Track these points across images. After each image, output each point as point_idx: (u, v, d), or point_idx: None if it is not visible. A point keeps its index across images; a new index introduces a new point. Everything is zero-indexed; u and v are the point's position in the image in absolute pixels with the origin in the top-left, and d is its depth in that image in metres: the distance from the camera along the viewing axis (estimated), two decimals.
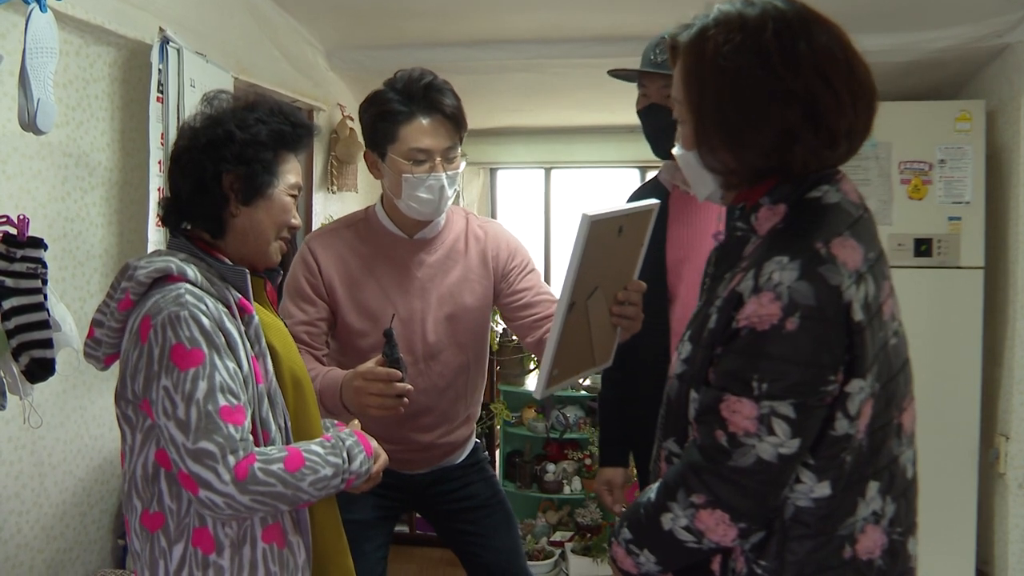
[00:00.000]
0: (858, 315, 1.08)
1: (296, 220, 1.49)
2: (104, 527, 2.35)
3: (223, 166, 1.40)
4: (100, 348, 1.42)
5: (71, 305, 2.11)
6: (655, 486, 1.21)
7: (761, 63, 1.11)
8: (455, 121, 1.86)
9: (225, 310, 1.35)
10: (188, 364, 1.26)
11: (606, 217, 1.42)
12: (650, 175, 4.85)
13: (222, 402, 1.26)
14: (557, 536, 3.93)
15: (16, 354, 1.76)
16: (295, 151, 1.49)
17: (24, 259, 1.76)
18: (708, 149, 1.18)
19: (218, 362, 1.28)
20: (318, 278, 1.90)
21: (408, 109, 1.82)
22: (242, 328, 1.36)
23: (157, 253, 1.40)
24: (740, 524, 1.12)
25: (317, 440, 1.39)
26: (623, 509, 2.14)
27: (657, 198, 1.99)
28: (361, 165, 3.57)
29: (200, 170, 1.40)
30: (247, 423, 1.29)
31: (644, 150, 5.15)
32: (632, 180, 5.00)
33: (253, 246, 1.45)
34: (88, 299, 2.24)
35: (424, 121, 1.82)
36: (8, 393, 1.81)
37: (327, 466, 1.34)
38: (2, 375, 1.80)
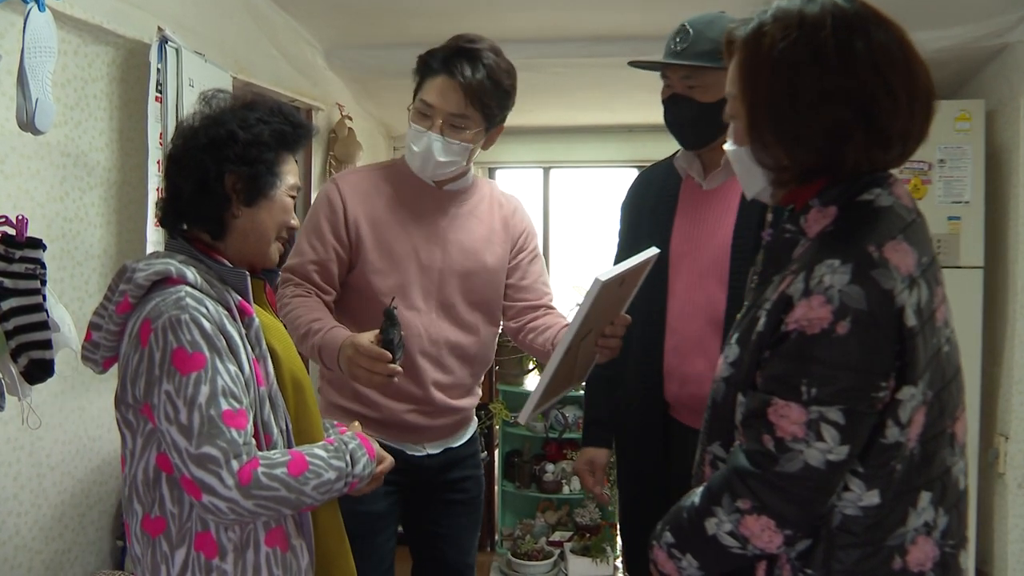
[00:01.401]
0: (911, 320, 1.07)
1: (295, 221, 1.49)
2: (103, 528, 2.34)
3: (226, 166, 1.38)
4: (98, 351, 1.40)
5: (69, 305, 2.10)
6: (699, 490, 1.19)
7: (816, 60, 1.10)
8: (469, 91, 1.84)
9: (225, 312, 1.33)
10: (190, 368, 1.25)
11: (615, 277, 1.50)
12: None
13: (224, 406, 1.25)
14: (556, 536, 3.93)
15: (15, 355, 1.76)
16: (295, 151, 1.48)
17: (23, 260, 1.76)
18: (761, 145, 1.17)
19: (220, 366, 1.27)
20: (340, 215, 1.90)
21: (435, 66, 1.86)
22: (243, 330, 1.35)
23: (155, 255, 1.39)
24: (786, 531, 1.11)
25: (320, 443, 1.38)
26: (604, 491, 2.14)
27: (670, 183, 1.99)
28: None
29: (202, 170, 1.38)
30: (249, 427, 1.28)
31: (643, 150, 5.17)
32: (630, 180, 4.99)
33: (254, 247, 1.44)
34: (87, 299, 2.24)
35: (439, 80, 1.85)
36: (7, 394, 1.81)
37: (330, 470, 1.33)
38: (1, 376, 1.79)
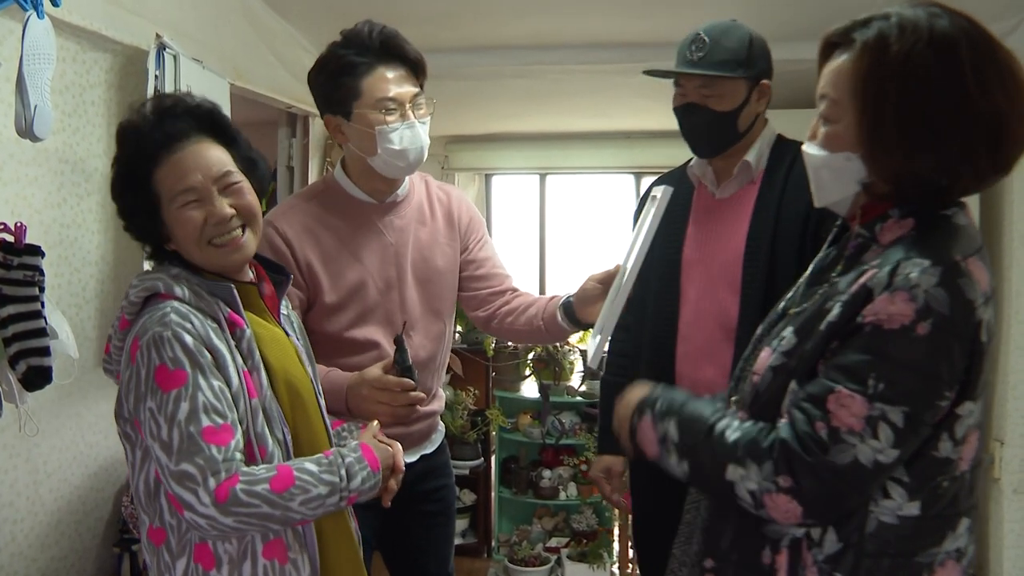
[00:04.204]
0: (984, 336, 1.07)
1: (212, 215, 1.36)
2: (99, 535, 2.33)
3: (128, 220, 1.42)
4: (113, 363, 1.43)
5: (66, 312, 2.10)
6: (734, 424, 1.17)
7: (953, 77, 1.09)
8: (417, 67, 1.81)
9: (214, 326, 1.33)
10: (171, 385, 1.25)
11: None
12: (645, 181, 4.87)
13: (205, 423, 1.25)
14: (553, 542, 3.93)
15: (13, 362, 1.75)
16: (163, 162, 1.36)
17: (22, 267, 1.76)
18: (882, 149, 1.13)
19: (202, 382, 1.26)
20: (288, 260, 1.79)
21: (367, 60, 1.76)
22: (232, 343, 1.34)
23: (151, 272, 1.40)
24: (808, 519, 1.12)
25: (316, 457, 1.35)
26: (620, 499, 2.13)
27: (683, 190, 2.00)
28: None
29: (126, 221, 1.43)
30: (235, 442, 1.27)
31: (640, 156, 5.16)
32: (627, 186, 5.00)
33: (204, 263, 1.39)
34: (83, 306, 2.23)
35: (386, 70, 1.77)
36: (4, 401, 1.81)
37: (320, 485, 1.29)
38: None
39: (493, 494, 4.13)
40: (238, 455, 1.27)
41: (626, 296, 1.55)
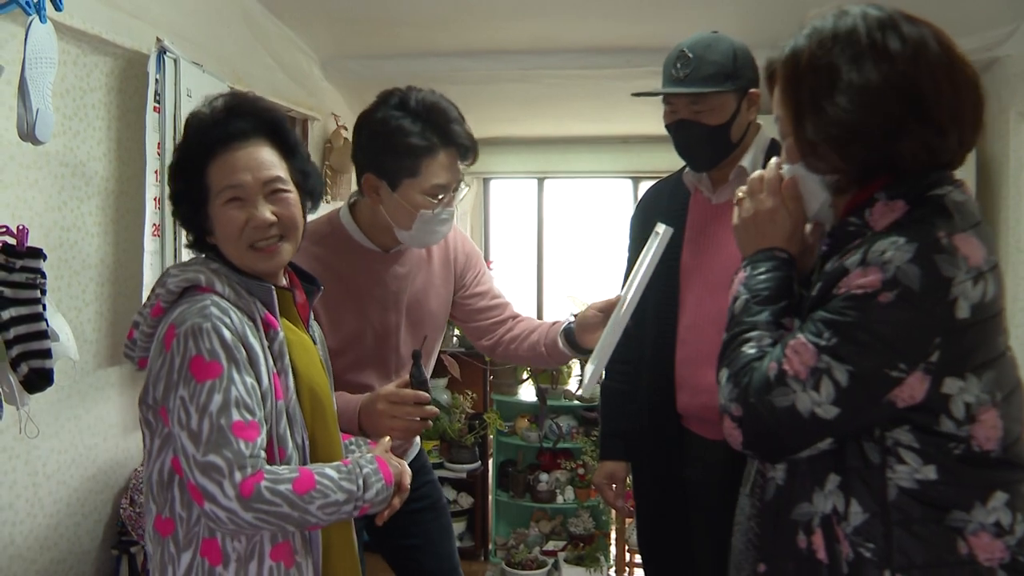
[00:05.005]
0: (962, 313, 1.07)
1: (252, 219, 1.38)
2: (98, 537, 2.34)
3: (176, 206, 1.44)
4: (135, 350, 1.43)
5: (67, 314, 2.11)
6: (758, 346, 1.18)
7: (856, 60, 1.13)
8: (468, 152, 1.80)
9: (250, 324, 1.35)
10: (205, 376, 1.27)
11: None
12: (643, 185, 4.89)
13: (235, 417, 1.26)
14: (550, 546, 3.93)
15: (15, 364, 1.76)
16: (218, 157, 1.39)
17: (23, 269, 1.77)
18: (811, 150, 1.18)
19: (236, 376, 1.28)
20: None
21: (429, 143, 1.73)
22: (266, 343, 1.36)
23: (193, 262, 1.41)
24: (748, 451, 1.18)
25: (335, 464, 1.37)
26: (623, 505, 2.14)
27: (679, 197, 2.02)
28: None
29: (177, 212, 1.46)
30: (260, 440, 1.29)
31: (638, 160, 5.17)
32: (625, 190, 5.02)
33: (239, 263, 1.41)
34: (84, 308, 2.24)
35: (445, 156, 1.75)
36: (5, 404, 1.81)
37: (339, 491, 1.32)
38: None
39: (490, 497, 4.14)
40: (262, 453, 1.29)
41: (622, 328, 1.57)
